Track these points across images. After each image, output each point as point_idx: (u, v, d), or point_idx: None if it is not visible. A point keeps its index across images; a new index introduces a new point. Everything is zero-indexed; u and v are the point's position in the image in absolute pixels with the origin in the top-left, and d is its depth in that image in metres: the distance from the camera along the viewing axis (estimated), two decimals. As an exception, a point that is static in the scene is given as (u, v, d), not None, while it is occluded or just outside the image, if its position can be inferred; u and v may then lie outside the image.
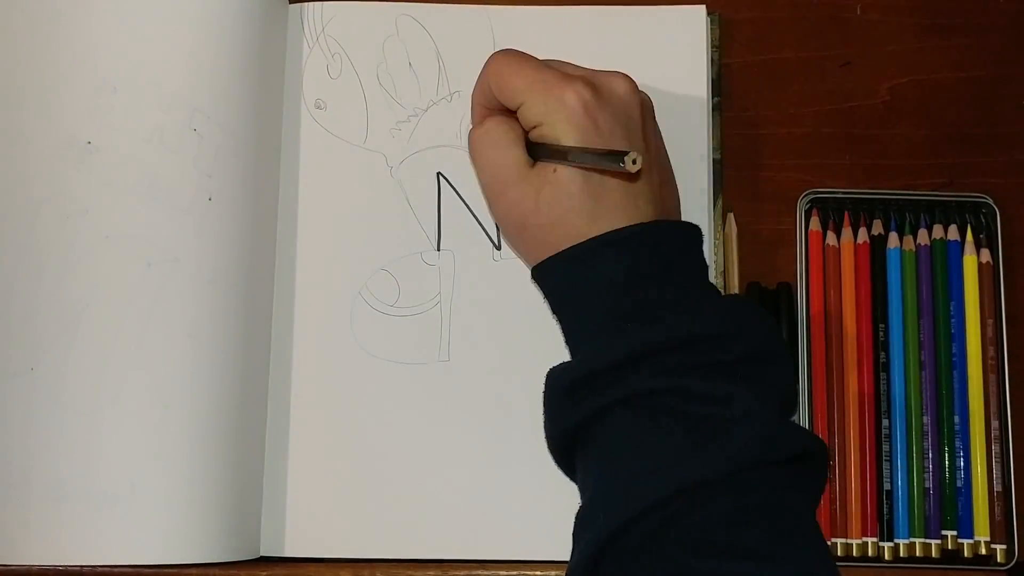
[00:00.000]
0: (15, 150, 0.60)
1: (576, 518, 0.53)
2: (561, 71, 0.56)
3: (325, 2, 0.66)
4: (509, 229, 0.59)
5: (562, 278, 0.56)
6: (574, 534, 0.53)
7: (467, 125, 0.65)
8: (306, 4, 0.66)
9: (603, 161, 0.52)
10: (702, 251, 0.57)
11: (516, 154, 0.57)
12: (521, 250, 0.60)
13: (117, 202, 0.59)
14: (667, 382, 0.51)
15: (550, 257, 0.55)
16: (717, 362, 0.51)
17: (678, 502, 0.49)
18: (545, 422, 0.56)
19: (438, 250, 0.63)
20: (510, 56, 0.58)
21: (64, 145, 0.60)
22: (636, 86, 0.57)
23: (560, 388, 0.54)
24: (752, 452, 0.49)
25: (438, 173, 0.64)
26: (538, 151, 0.56)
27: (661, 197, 0.57)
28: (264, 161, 0.63)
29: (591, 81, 0.56)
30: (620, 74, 0.57)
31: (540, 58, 0.58)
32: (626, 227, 0.54)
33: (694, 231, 0.56)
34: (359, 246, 0.63)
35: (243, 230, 0.60)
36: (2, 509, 0.57)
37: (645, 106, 0.58)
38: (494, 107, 0.59)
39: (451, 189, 0.64)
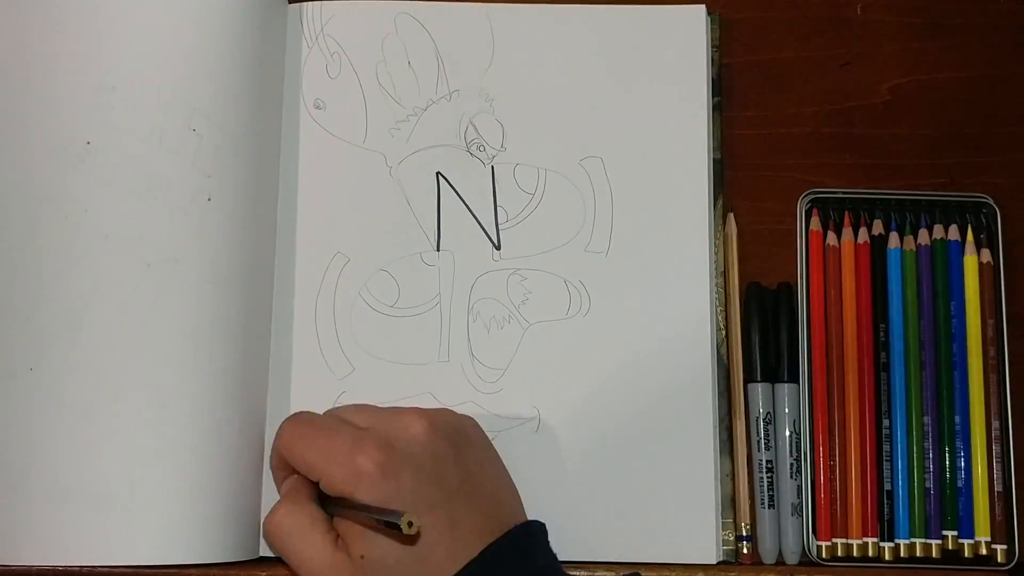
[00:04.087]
0: (14, 150, 0.60)
1: None
2: (352, 432, 0.53)
3: (324, 1, 0.66)
4: None
5: None
6: None
7: (467, 125, 0.65)
8: (305, 3, 0.66)
9: (383, 525, 0.49)
10: (544, 545, 0.55)
11: (318, 540, 0.53)
12: None
13: (116, 202, 0.59)
14: None
15: None
16: None
17: None
18: None
19: (437, 250, 0.63)
20: (298, 426, 0.55)
21: (63, 145, 0.60)
22: (432, 422, 0.54)
23: None
24: None
25: (437, 173, 0.64)
26: (331, 504, 0.53)
27: (488, 520, 0.53)
28: (263, 161, 0.62)
29: (384, 436, 0.53)
30: (413, 415, 0.54)
31: (331, 413, 0.56)
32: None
33: (526, 533, 0.54)
34: (358, 246, 0.63)
35: (242, 230, 0.60)
36: (1, 509, 0.57)
37: (456, 436, 0.55)
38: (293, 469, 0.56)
39: (451, 189, 0.64)
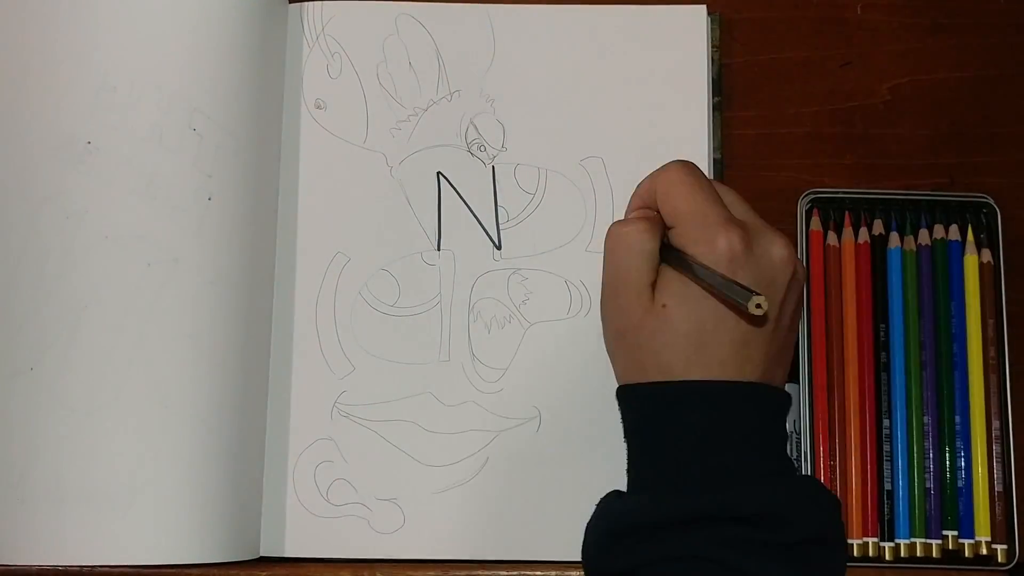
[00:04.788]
0: (15, 150, 0.60)
1: None
2: (726, 212, 0.54)
3: (325, 1, 0.66)
4: (608, 331, 0.57)
5: (641, 411, 0.54)
6: None
7: (467, 125, 0.65)
8: (306, 3, 0.66)
9: (729, 290, 0.50)
10: (785, 421, 0.55)
11: (645, 267, 0.54)
12: (612, 356, 0.57)
13: (117, 202, 0.59)
14: (714, 552, 0.50)
15: (635, 384, 0.54)
16: (769, 541, 0.50)
17: None
18: (586, 549, 0.54)
19: (438, 250, 0.63)
20: (686, 174, 0.55)
21: (64, 145, 0.60)
22: (794, 255, 0.55)
23: (609, 530, 0.53)
24: None
25: (438, 172, 0.64)
26: (670, 256, 0.54)
27: (768, 367, 0.54)
28: (264, 161, 0.63)
29: (749, 234, 0.53)
30: (782, 238, 0.55)
31: (712, 185, 0.55)
32: (719, 381, 0.52)
33: (785, 400, 0.55)
34: (359, 246, 0.63)
35: (243, 230, 0.60)
36: (2, 509, 0.57)
37: (795, 279, 0.55)
38: (650, 205, 0.56)
39: (451, 189, 0.64)
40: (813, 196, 0.64)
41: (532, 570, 0.60)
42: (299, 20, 0.66)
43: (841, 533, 0.53)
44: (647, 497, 0.52)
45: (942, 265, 0.63)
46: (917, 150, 0.66)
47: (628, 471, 0.55)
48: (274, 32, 0.64)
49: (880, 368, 0.62)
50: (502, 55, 0.65)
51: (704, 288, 0.52)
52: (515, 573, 0.60)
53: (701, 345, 0.52)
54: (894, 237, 0.63)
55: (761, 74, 0.67)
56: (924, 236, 0.63)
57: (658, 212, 0.56)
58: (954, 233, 0.63)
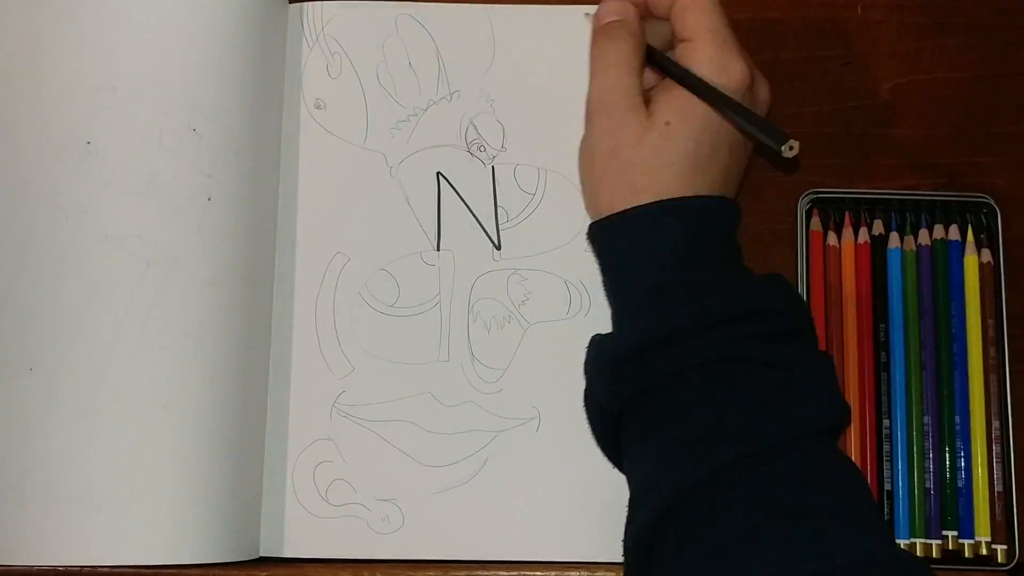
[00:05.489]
0: (15, 150, 0.60)
1: (632, 492, 0.53)
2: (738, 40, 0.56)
3: (325, 2, 0.66)
4: (597, 151, 0.56)
5: (629, 236, 0.54)
6: (630, 506, 0.53)
7: (467, 125, 0.65)
8: (306, 4, 0.66)
9: (764, 131, 0.51)
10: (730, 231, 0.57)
11: (638, 84, 0.55)
12: (596, 181, 0.57)
13: (116, 202, 0.59)
14: (730, 349, 0.51)
15: (620, 212, 0.54)
16: (774, 333, 0.52)
17: (746, 462, 0.49)
18: (594, 392, 0.55)
19: (438, 250, 0.63)
20: None
21: (63, 145, 0.60)
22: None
23: (618, 356, 0.53)
24: (819, 416, 0.51)
25: (438, 173, 0.64)
26: (672, 70, 0.54)
27: (737, 184, 0.59)
28: (264, 161, 0.63)
29: (752, 69, 0.56)
30: (766, 82, 0.59)
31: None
32: (709, 198, 0.54)
33: (739, 210, 0.57)
34: (359, 246, 0.63)
35: (243, 230, 0.60)
36: (2, 509, 0.57)
37: None
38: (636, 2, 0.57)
39: (451, 189, 0.64)
40: (813, 196, 0.64)
41: (532, 570, 0.60)
42: (299, 20, 0.66)
43: (812, 322, 0.56)
44: (643, 321, 0.53)
45: (942, 265, 0.63)
46: (917, 150, 0.66)
47: (614, 313, 0.56)
48: (274, 32, 0.64)
49: (880, 368, 0.62)
50: (502, 55, 0.65)
51: (722, 116, 0.53)
52: (515, 573, 0.60)
53: (697, 167, 0.54)
54: (894, 237, 0.63)
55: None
56: (924, 236, 0.63)
57: (638, 16, 0.57)
58: (954, 233, 0.63)
